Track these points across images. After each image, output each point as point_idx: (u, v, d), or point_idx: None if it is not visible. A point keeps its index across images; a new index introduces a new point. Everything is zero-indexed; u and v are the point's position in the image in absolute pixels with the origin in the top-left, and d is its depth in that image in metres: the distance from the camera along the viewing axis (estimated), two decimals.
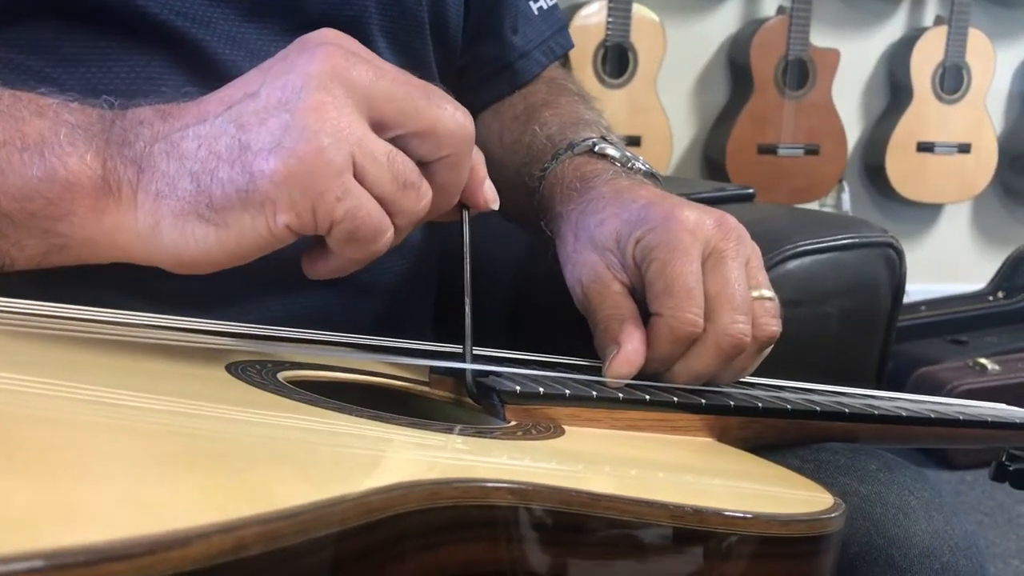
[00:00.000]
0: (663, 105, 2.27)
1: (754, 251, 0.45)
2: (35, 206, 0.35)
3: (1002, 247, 2.52)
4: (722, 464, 0.40)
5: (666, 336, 0.43)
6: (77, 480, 0.21)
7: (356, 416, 0.32)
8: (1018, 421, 0.59)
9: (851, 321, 0.71)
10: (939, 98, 2.47)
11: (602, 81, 2.19)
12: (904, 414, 0.52)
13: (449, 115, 0.36)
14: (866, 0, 2.50)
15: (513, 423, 0.38)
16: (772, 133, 2.36)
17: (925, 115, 2.47)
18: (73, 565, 0.17)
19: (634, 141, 2.26)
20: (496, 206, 0.41)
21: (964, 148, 2.52)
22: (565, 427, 0.39)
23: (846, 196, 2.57)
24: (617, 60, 2.20)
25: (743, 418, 0.45)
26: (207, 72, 0.47)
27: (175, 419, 0.29)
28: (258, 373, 0.35)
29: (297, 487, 0.24)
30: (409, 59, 0.54)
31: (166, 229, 0.34)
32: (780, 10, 2.36)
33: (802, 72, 2.34)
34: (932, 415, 0.53)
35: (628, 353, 0.42)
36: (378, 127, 0.35)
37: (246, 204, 0.34)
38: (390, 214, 0.35)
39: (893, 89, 2.55)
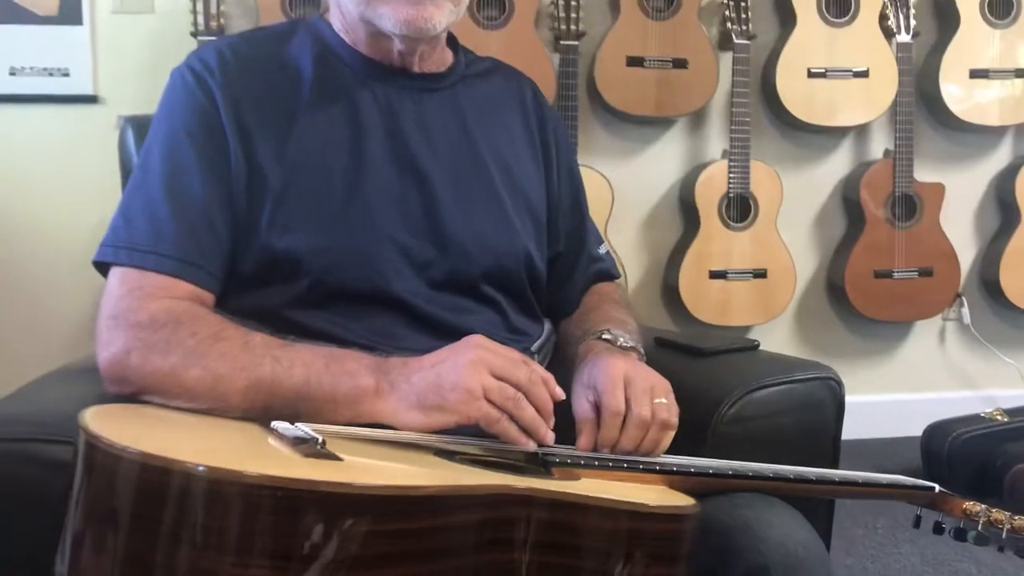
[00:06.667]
0: (784, 241, 2.65)
1: (659, 382, 0.96)
2: (346, 399, 0.88)
3: None
4: (652, 493, 0.86)
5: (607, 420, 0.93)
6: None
7: (483, 468, 0.82)
8: (884, 482, 0.98)
9: (802, 428, 1.13)
10: None
11: (728, 226, 2.60)
12: (791, 476, 0.94)
13: (527, 374, 0.87)
14: (968, 135, 2.80)
15: (557, 476, 0.86)
16: (886, 260, 2.65)
17: None
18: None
19: (761, 274, 2.63)
20: (550, 441, 0.89)
21: None
22: (583, 477, 0.86)
23: (965, 310, 2.82)
24: (740, 207, 2.61)
25: (681, 476, 0.91)
26: (420, 319, 1.02)
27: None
28: (447, 456, 0.86)
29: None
30: (513, 296, 1.10)
31: (401, 413, 0.87)
32: (886, 153, 2.71)
33: (910, 205, 2.65)
34: (813, 477, 0.95)
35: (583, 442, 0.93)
36: (498, 379, 0.87)
37: (441, 410, 0.86)
38: (506, 411, 0.86)
39: (1003, 211, 2.82)
